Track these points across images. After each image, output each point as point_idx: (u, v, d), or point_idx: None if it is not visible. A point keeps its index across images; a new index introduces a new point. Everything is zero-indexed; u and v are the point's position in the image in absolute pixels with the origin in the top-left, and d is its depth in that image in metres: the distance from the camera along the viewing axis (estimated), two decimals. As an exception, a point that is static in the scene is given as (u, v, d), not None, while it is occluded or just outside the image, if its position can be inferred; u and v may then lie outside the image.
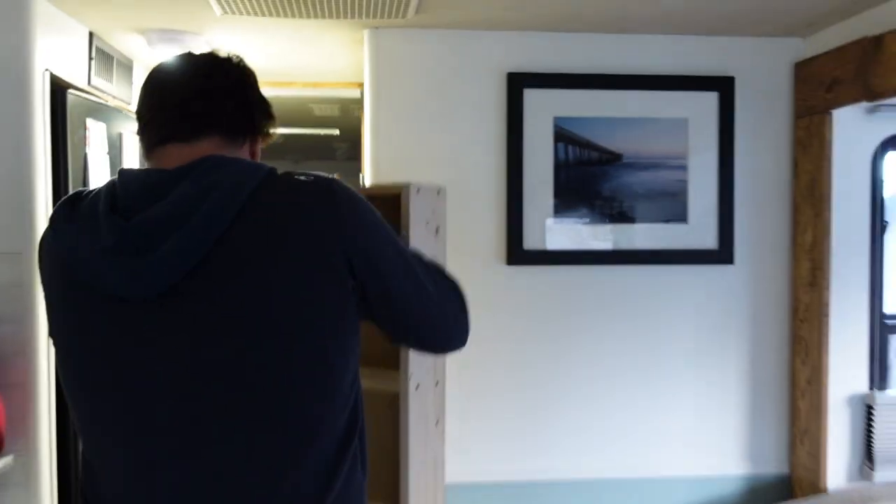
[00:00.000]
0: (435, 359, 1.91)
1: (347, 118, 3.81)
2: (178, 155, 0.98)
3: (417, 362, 1.67)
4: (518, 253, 2.38)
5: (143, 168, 1.00)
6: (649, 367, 2.45)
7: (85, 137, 2.26)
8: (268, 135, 1.09)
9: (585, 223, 2.41)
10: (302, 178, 0.98)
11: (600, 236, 2.41)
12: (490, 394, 2.40)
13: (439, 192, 1.78)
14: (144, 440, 0.95)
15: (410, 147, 2.38)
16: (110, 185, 0.98)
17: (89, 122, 2.28)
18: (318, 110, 3.56)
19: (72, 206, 0.99)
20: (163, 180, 0.95)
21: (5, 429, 1.97)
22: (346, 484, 0.99)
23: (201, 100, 1.00)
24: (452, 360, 2.33)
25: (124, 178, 0.97)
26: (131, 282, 0.91)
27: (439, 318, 1.11)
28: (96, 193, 0.98)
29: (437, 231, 1.80)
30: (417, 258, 1.08)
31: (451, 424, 2.36)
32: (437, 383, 1.80)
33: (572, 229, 2.41)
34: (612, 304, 2.44)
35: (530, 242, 2.38)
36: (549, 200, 2.39)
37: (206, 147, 0.99)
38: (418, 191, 1.71)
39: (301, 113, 3.58)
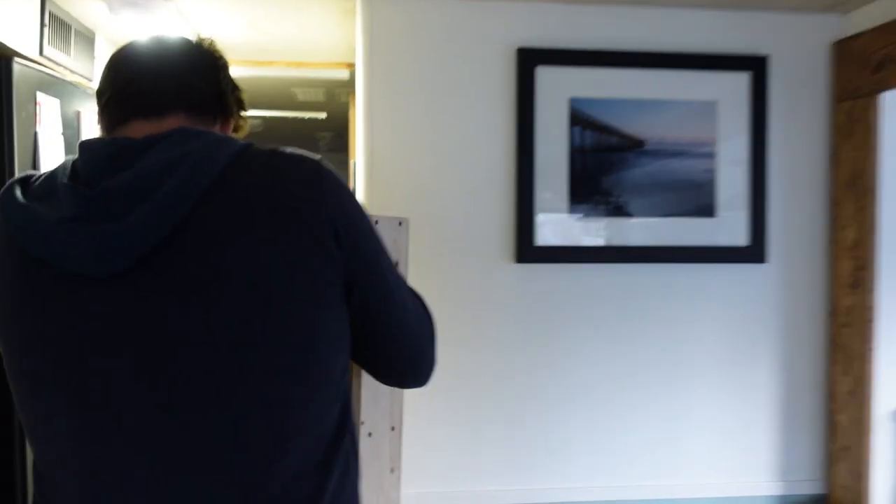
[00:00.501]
0: (391, 402, 1.73)
1: (333, 104, 3.53)
2: (143, 131, 0.93)
3: (370, 408, 1.54)
4: (528, 249, 2.12)
5: (107, 136, 0.95)
6: (670, 376, 2.20)
7: (35, 114, 1.97)
8: (238, 126, 1.06)
9: (604, 216, 2.15)
10: (285, 151, 0.94)
11: (620, 231, 2.16)
12: (489, 404, 2.14)
13: (401, 223, 1.63)
14: (103, 441, 0.87)
15: (407, 131, 2.11)
16: (71, 160, 0.93)
17: (40, 96, 1.99)
18: (302, 94, 3.27)
19: (24, 184, 0.92)
20: (130, 148, 0.89)
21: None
22: (340, 485, 0.95)
23: (169, 77, 0.97)
24: (452, 368, 2.08)
25: (86, 148, 0.92)
26: (95, 254, 0.85)
27: (413, 328, 1.06)
28: (53, 170, 0.93)
29: (396, 265, 1.62)
30: (397, 271, 1.06)
31: (443, 438, 2.11)
32: (392, 429, 1.64)
33: (589, 223, 2.15)
34: (631, 307, 2.19)
35: (542, 238, 2.13)
36: (563, 191, 2.13)
37: (172, 124, 0.94)
38: (377, 222, 1.53)
39: (282, 97, 3.29)
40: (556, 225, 2.13)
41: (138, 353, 0.86)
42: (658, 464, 2.20)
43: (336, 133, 4.13)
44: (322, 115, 3.43)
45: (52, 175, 0.92)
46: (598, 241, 2.15)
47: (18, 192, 0.91)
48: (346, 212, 0.94)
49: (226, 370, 0.86)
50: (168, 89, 0.96)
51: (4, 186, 0.93)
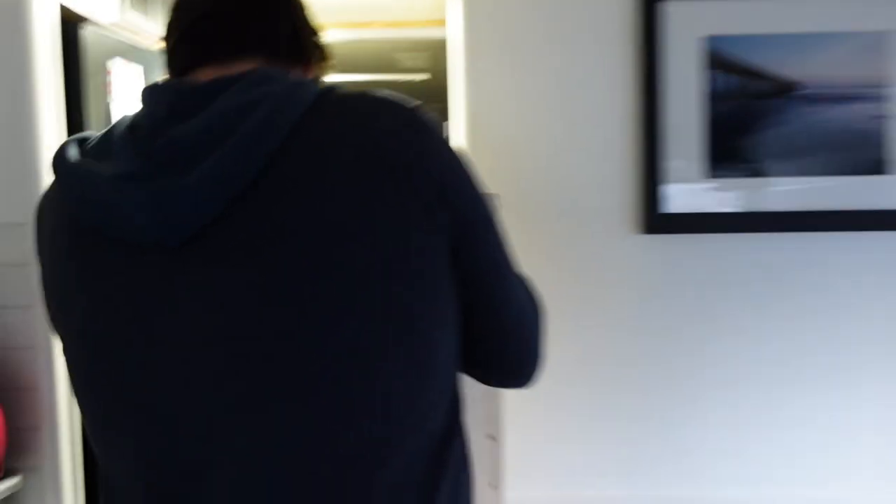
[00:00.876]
0: (488, 406, 1.55)
1: (438, 70, 3.29)
2: (214, 75, 0.82)
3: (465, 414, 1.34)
4: (656, 218, 1.80)
5: (170, 81, 0.84)
6: (829, 368, 1.84)
7: (107, 84, 1.84)
8: (318, 77, 0.94)
9: (747, 176, 1.80)
10: (376, 93, 0.81)
11: (767, 194, 1.80)
12: (610, 397, 1.85)
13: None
14: (169, 443, 0.76)
15: (509, 87, 1.85)
16: (132, 114, 0.83)
17: (115, 64, 1.86)
18: (405, 60, 3.05)
19: (79, 144, 0.82)
20: (198, 92, 0.78)
21: (6, 443, 1.58)
22: (451, 500, 0.83)
23: (241, 15, 0.86)
24: (565, 358, 1.81)
25: (147, 96, 0.81)
26: (156, 217, 0.73)
27: (522, 311, 0.90)
28: (112, 126, 0.82)
29: None
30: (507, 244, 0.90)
31: (552, 440, 1.84)
32: (491, 438, 1.44)
33: (730, 185, 1.80)
34: (781, 284, 1.83)
35: (674, 204, 1.80)
36: (697, 147, 1.80)
37: (244, 68, 0.82)
38: None
39: (383, 62, 3.09)
40: (689, 189, 1.80)
41: (213, 352, 0.75)
42: (814, 471, 1.84)
43: (444, 107, 3.91)
44: (423, 77, 3.22)
45: (110, 130, 0.81)
46: (741, 207, 1.81)
47: (72, 152, 0.80)
48: (450, 164, 0.81)
49: (329, 369, 0.74)
50: (239, 30, 0.85)
51: (58, 148, 0.82)
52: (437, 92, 3.85)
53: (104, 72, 1.83)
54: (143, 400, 0.78)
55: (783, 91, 1.78)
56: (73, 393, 0.85)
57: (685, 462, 1.85)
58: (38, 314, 1.65)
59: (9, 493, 1.56)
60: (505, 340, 0.91)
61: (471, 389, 1.29)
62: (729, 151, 1.80)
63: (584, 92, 1.83)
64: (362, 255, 0.74)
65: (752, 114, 1.79)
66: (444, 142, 0.82)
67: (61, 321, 0.84)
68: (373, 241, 0.74)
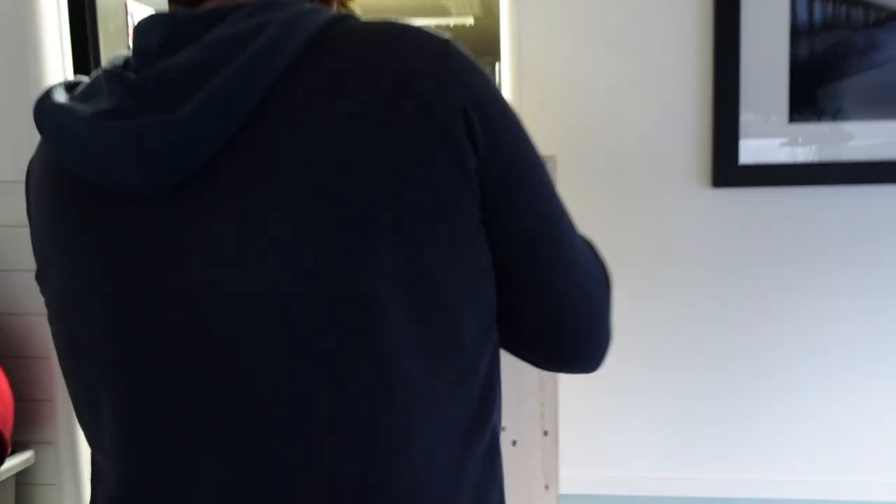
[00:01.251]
0: (542, 398, 1.38)
1: (490, 18, 3.10)
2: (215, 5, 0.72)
3: (513, 409, 1.28)
4: (730, 170, 1.60)
5: (167, 11, 0.73)
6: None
7: (127, 28, 1.70)
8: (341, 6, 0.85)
9: (839, 122, 1.57)
10: (399, 21, 0.70)
11: (863, 142, 1.57)
12: (680, 376, 1.67)
13: (547, 161, 1.26)
14: (157, 422, 0.67)
15: (569, 26, 1.65)
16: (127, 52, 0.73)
17: (133, 6, 1.72)
18: (453, 5, 2.86)
19: (70, 88, 0.74)
20: (194, 22, 0.68)
21: (15, 416, 1.48)
22: (480, 495, 0.70)
23: None
24: (623, 326, 1.63)
25: (139, 29, 0.71)
26: (141, 159, 0.63)
27: (585, 279, 0.76)
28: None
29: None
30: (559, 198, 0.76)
31: (607, 413, 1.67)
32: (545, 434, 1.34)
33: (813, 133, 1.58)
34: (871, 244, 1.61)
35: (750, 154, 1.59)
36: (781, 90, 1.57)
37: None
38: None
39: (430, 6, 2.91)
40: (769, 137, 1.58)
41: (206, 317, 0.66)
42: (882, 455, 1.64)
43: (495, 57, 3.73)
44: (471, 22, 3.04)
45: (100, 70, 0.73)
46: (829, 156, 1.58)
47: (58, 94, 0.73)
48: (483, 99, 0.69)
49: (337, 340, 0.64)
50: None
51: (46, 90, 0.74)
52: (486, 39, 3.67)
53: (123, 12, 1.69)
54: (123, 373, 0.69)
55: (882, 20, 1.53)
56: (62, 367, 0.77)
57: (760, 445, 1.67)
58: (51, 277, 1.55)
59: (20, 468, 1.47)
60: (566, 327, 0.77)
61: (518, 380, 1.14)
62: (814, 95, 1.57)
63: (648, 31, 1.62)
64: (372, 201, 0.64)
65: (846, 48, 1.55)
66: (481, 74, 0.71)
67: (44, 284, 0.76)
68: (385, 184, 0.64)
